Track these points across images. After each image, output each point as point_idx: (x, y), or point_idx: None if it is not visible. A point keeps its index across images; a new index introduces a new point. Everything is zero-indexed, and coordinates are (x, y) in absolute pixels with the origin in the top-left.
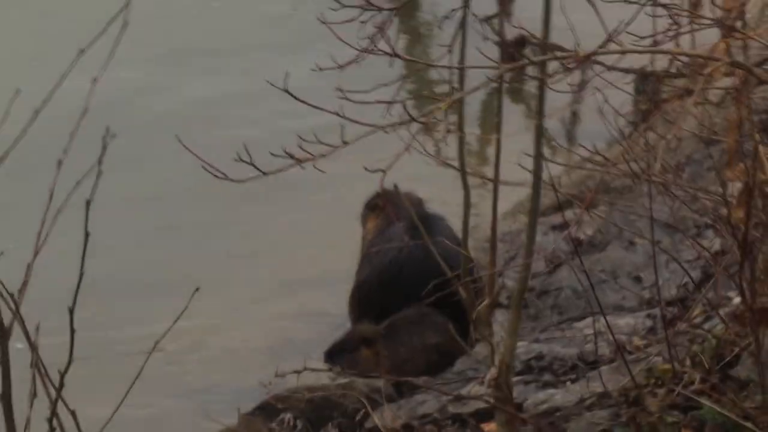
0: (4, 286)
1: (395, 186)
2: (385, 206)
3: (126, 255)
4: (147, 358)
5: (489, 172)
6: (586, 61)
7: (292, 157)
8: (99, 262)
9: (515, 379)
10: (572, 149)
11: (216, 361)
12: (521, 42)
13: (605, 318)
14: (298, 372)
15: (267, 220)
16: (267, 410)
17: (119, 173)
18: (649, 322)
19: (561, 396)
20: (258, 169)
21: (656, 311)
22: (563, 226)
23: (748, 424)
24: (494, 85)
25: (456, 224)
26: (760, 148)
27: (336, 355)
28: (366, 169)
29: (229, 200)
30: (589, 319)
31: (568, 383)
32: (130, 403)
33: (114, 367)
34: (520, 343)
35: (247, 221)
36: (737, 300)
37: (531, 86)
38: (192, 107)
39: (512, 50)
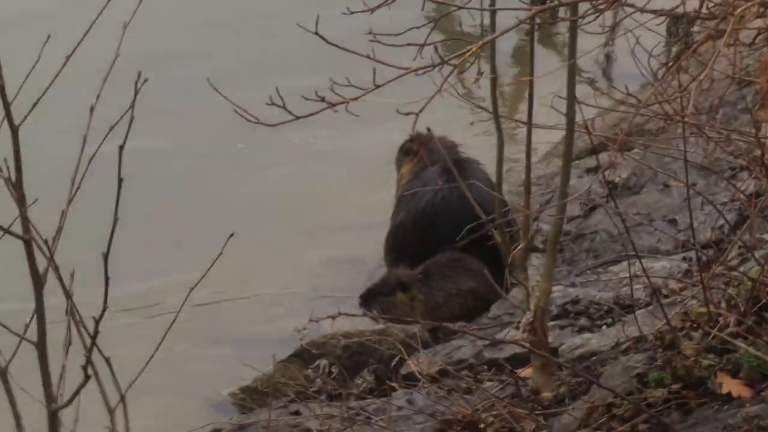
0: (38, 233)
1: (429, 130)
2: (419, 150)
3: (155, 207)
4: (181, 306)
5: (522, 116)
6: (617, 2)
7: (323, 100)
8: (130, 212)
9: (551, 323)
10: (606, 92)
11: (251, 309)
12: None
13: (640, 261)
14: (332, 318)
15: (300, 166)
16: (303, 357)
17: (149, 124)
18: (684, 265)
19: (596, 340)
20: (290, 112)
21: (692, 254)
22: (597, 169)
23: None
24: (526, 26)
25: (490, 168)
26: None
27: (371, 299)
28: (399, 111)
29: (258, 150)
30: (624, 263)
31: (604, 327)
32: (165, 353)
33: (149, 318)
34: (555, 288)
35: (277, 171)
36: None
37: (563, 30)
38: (221, 60)
39: None
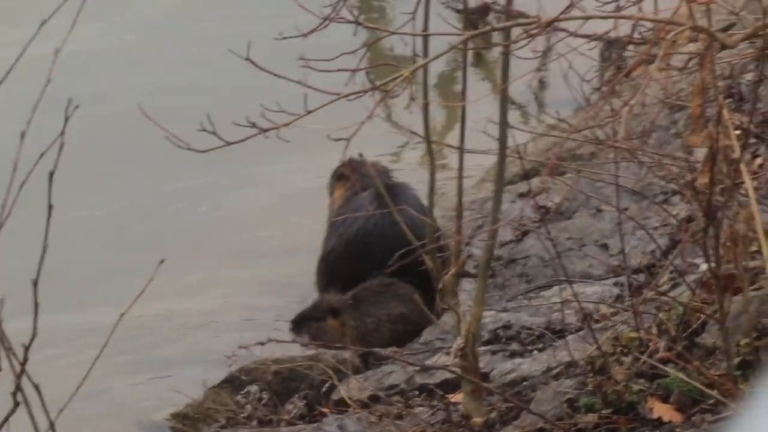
0: None
1: (361, 155)
2: (351, 175)
3: (85, 238)
4: (111, 332)
5: (454, 140)
6: (549, 27)
7: (255, 126)
8: (62, 240)
9: (482, 348)
10: (538, 117)
11: (182, 334)
12: (485, 9)
13: (572, 286)
14: (262, 344)
15: (230, 193)
16: (233, 383)
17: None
18: (616, 290)
19: (528, 365)
20: (221, 138)
21: (623, 279)
22: (529, 193)
23: (714, 392)
24: (458, 51)
25: (422, 193)
26: (724, 113)
27: (302, 325)
28: (330, 137)
29: (191, 173)
30: (556, 288)
31: (535, 352)
32: (96, 380)
33: (80, 345)
34: (486, 313)
35: (209, 194)
36: (704, 267)
37: (495, 54)
38: (147, 79)
39: (475, 17)
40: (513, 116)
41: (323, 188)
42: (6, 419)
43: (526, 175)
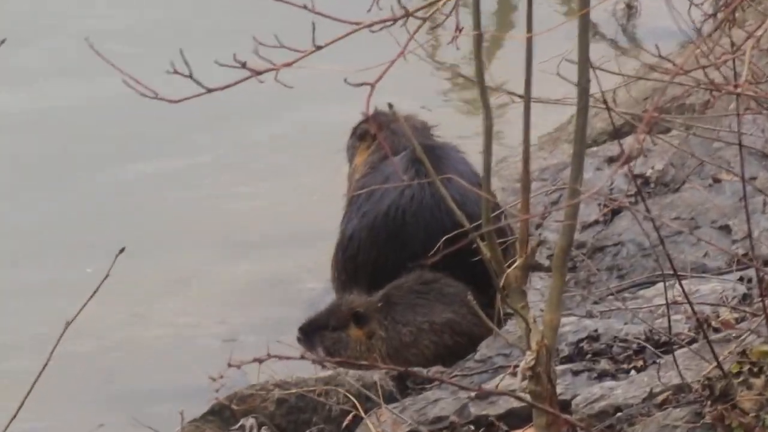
0: None
1: (391, 107)
2: (378, 134)
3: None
4: (57, 343)
5: (517, 87)
6: None
7: (244, 66)
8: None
9: (560, 367)
10: (631, 54)
11: (151, 350)
12: None
13: (681, 284)
14: (260, 361)
15: (215, 166)
16: (221, 414)
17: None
18: (741, 288)
19: (623, 390)
20: (199, 83)
21: (751, 273)
22: (622, 158)
23: None
24: None
25: (475, 158)
26: None
27: (314, 336)
28: (348, 82)
29: (159, 144)
30: (659, 285)
31: (633, 373)
32: (45, 411)
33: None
34: (565, 319)
35: (185, 170)
36: None
37: None
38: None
39: None
40: (596, 53)
41: (340, 152)
42: None
43: (617, 133)
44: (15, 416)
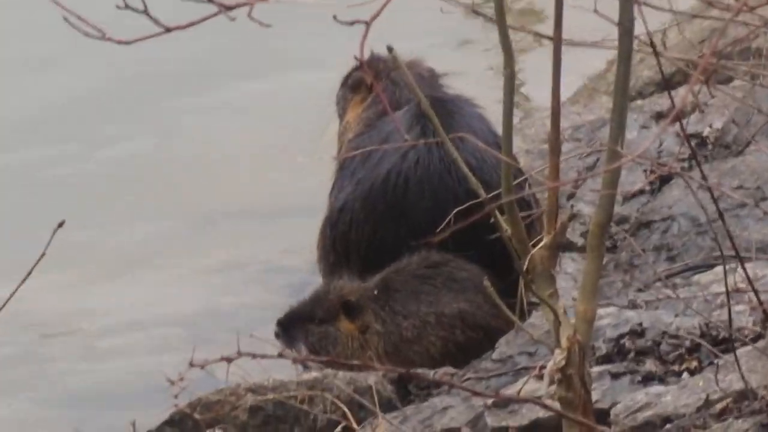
0: None
1: (391, 51)
2: (374, 83)
3: None
4: None
5: (545, 26)
6: None
7: (211, 1)
8: None
9: (596, 369)
10: None
11: (101, 344)
12: None
13: (744, 267)
14: (228, 360)
15: (178, 128)
16: (182, 425)
17: None
18: None
19: (673, 397)
20: (155, 21)
21: None
22: (672, 113)
23: None
24: None
25: (493, 113)
26: None
27: (296, 329)
28: (337, 19)
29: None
30: (718, 269)
31: (685, 375)
32: None
33: None
34: (603, 310)
35: (142, 133)
36: None
37: None
38: None
39: None
40: None
41: (329, 106)
42: None
43: (667, 84)
44: None
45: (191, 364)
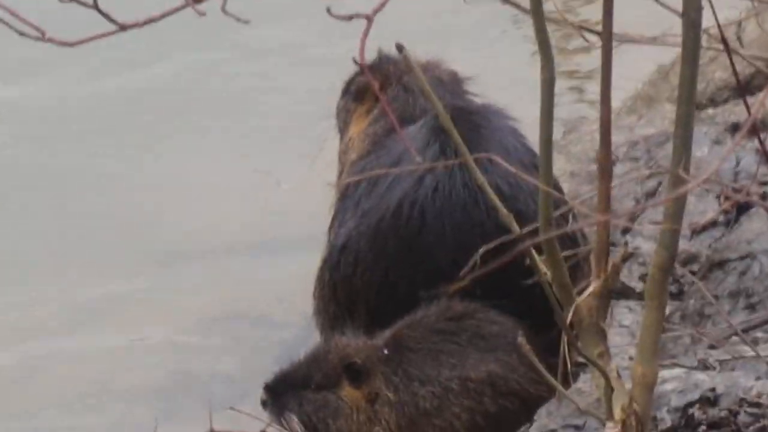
0: None
1: (401, 50)
2: (382, 90)
3: None
4: None
5: (592, 20)
6: None
7: None
8: None
9: None
10: None
11: (36, 418)
12: None
13: None
14: None
15: (147, 153)
16: None
17: None
18: None
19: None
20: (110, 18)
21: None
22: (751, 125)
23: None
24: None
25: (529, 127)
26: None
27: (288, 399)
28: (330, 13)
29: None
30: None
31: None
32: None
33: None
34: (667, 372)
35: (110, 159)
36: None
37: None
38: None
39: None
40: None
41: (326, 119)
42: None
43: (744, 88)
44: None
45: None
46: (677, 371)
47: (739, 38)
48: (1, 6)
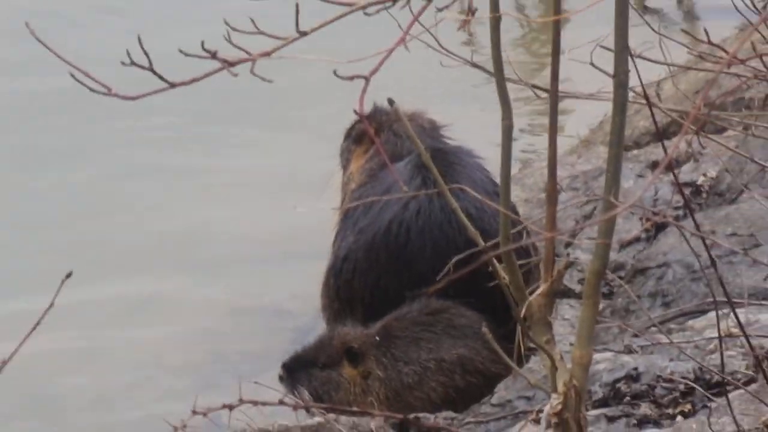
0: None
1: (392, 103)
2: (376, 136)
3: None
4: None
5: (544, 79)
6: None
7: (214, 57)
8: None
9: (592, 413)
10: (681, 38)
11: (101, 391)
12: None
13: (735, 313)
14: (230, 408)
15: (183, 179)
16: None
17: None
18: None
19: None
20: (161, 77)
21: None
22: (667, 163)
23: None
24: None
25: (494, 164)
26: None
27: (299, 375)
28: (337, 75)
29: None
30: (711, 315)
31: (679, 419)
32: None
33: None
34: (599, 356)
35: (146, 181)
36: None
37: None
38: None
39: None
40: (638, 37)
41: (330, 158)
42: None
43: (662, 134)
44: None
45: (194, 412)
46: (607, 354)
47: (658, 95)
48: (74, 67)
